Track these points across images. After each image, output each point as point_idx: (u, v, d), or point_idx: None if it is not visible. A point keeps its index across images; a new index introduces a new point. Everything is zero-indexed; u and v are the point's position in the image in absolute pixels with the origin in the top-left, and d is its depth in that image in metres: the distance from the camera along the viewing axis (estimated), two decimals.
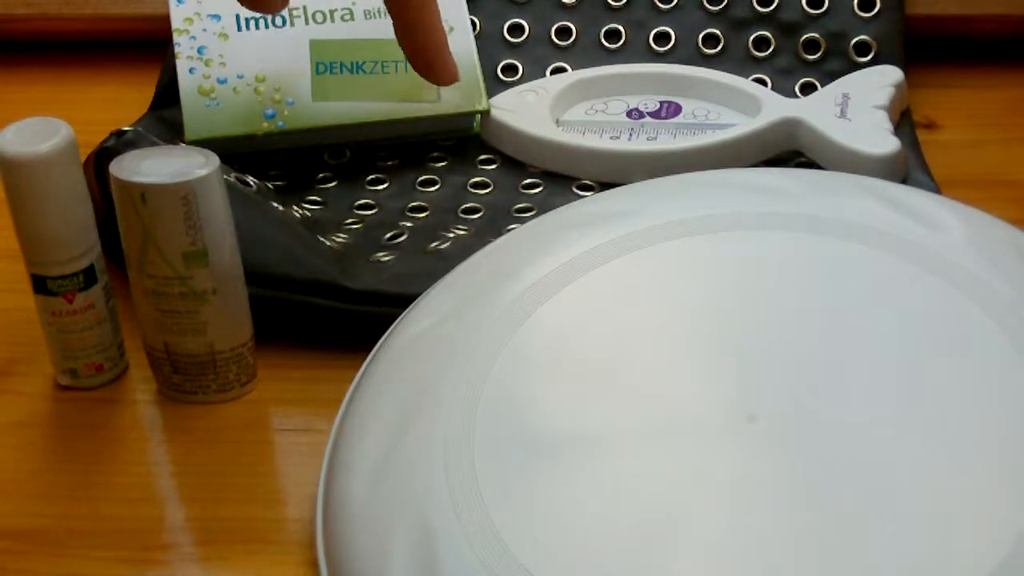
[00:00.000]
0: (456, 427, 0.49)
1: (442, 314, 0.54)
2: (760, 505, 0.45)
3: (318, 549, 0.50)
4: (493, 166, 0.73)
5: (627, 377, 0.50)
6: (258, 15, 0.74)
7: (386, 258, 0.64)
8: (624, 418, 0.49)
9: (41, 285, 0.59)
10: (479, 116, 0.74)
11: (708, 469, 0.47)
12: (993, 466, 0.45)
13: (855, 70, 0.73)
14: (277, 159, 0.73)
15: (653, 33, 0.77)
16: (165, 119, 0.75)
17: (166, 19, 0.76)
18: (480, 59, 0.75)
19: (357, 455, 0.50)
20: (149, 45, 0.82)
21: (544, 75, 0.76)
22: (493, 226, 0.67)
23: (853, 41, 0.75)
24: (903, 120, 0.72)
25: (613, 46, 0.77)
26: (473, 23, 0.77)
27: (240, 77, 0.73)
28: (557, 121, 0.73)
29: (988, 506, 0.44)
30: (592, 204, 0.57)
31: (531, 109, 0.73)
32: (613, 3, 0.77)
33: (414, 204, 0.70)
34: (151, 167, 0.56)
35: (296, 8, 0.75)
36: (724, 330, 0.51)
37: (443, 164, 0.73)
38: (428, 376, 0.51)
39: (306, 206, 0.70)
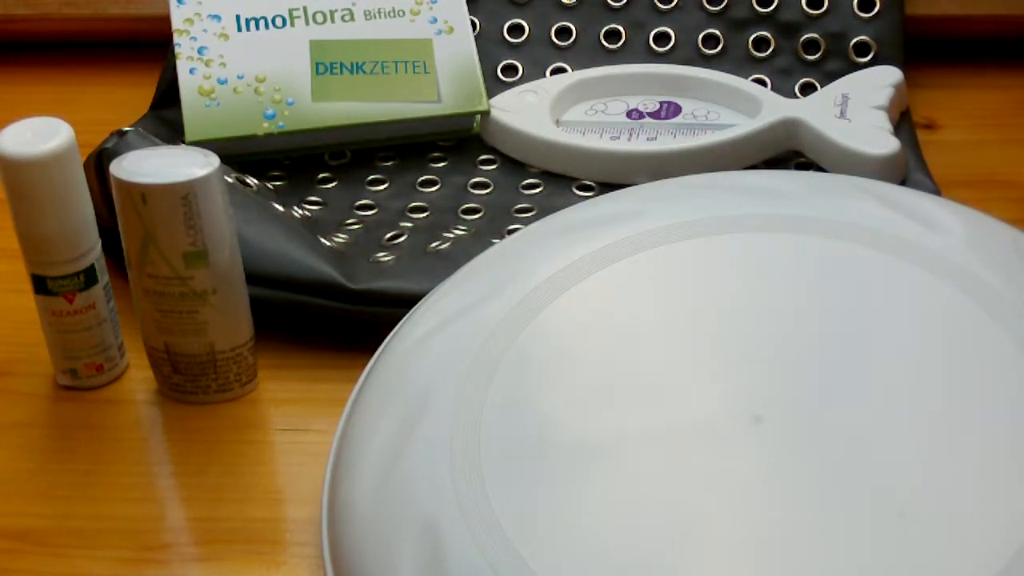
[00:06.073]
0: (462, 429, 0.49)
1: (447, 316, 0.54)
2: (765, 506, 0.45)
3: (324, 551, 0.50)
4: (493, 166, 0.73)
5: (632, 379, 0.50)
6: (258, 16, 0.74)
7: (386, 258, 0.64)
8: (629, 420, 0.49)
9: (41, 285, 0.59)
10: (479, 116, 0.74)
11: (714, 469, 0.47)
12: (996, 466, 0.45)
13: (855, 70, 0.73)
14: (277, 159, 0.73)
15: (653, 33, 0.77)
16: (165, 119, 0.75)
17: (166, 19, 0.76)
18: (480, 59, 0.75)
19: (363, 457, 0.50)
20: (149, 45, 0.82)
21: (544, 75, 0.76)
22: (493, 226, 0.67)
23: (853, 41, 0.75)
24: (903, 120, 0.72)
25: (613, 46, 0.77)
26: (473, 23, 0.77)
27: (240, 78, 0.73)
28: (557, 121, 0.73)
29: (992, 506, 0.44)
30: (594, 207, 0.57)
31: (531, 109, 0.73)
32: (613, 3, 0.77)
33: (414, 204, 0.70)
34: (151, 167, 0.56)
35: (296, 8, 0.75)
36: (727, 332, 0.51)
37: (443, 164, 0.73)
38: (433, 378, 0.51)
39: (306, 206, 0.70)
